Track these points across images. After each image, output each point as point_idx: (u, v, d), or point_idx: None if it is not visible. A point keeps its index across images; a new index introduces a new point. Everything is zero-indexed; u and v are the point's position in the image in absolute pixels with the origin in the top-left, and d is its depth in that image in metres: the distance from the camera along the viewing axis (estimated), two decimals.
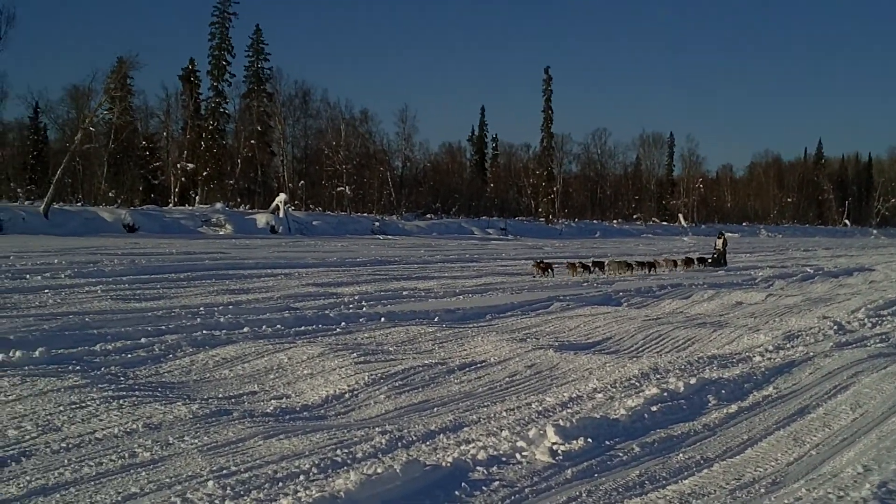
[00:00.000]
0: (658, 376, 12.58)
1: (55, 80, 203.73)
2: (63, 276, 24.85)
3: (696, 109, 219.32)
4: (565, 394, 11.33)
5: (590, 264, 34.69)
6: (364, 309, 20.03)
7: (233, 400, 10.95)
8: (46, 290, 21.49)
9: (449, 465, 7.84)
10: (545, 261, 33.47)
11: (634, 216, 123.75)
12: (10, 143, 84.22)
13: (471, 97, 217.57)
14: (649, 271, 36.26)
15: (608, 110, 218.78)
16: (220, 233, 61.57)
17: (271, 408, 10.47)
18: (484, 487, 7.40)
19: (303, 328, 16.83)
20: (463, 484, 7.43)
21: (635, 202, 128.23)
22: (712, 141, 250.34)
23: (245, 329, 16.15)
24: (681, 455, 8.70)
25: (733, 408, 10.74)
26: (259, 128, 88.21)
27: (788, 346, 15.84)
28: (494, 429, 9.42)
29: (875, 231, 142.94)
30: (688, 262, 40.55)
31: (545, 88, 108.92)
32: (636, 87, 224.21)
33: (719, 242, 44.45)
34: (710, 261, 42.43)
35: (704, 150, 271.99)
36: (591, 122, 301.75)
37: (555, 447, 8.43)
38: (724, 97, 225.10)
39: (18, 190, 70.96)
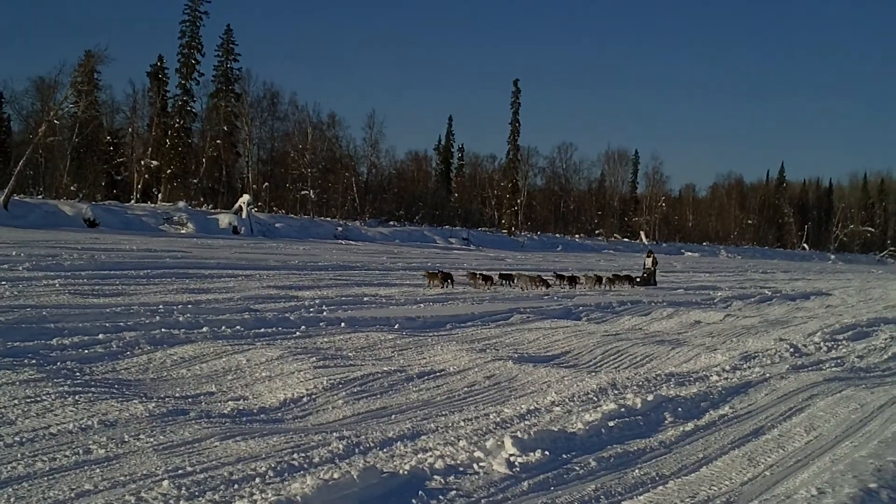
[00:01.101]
0: (616, 392, 12.66)
1: (21, 71, 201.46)
2: (21, 268, 24.57)
3: (662, 128, 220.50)
4: (523, 406, 11.38)
5: (495, 276, 33.10)
6: (325, 313, 19.97)
7: (190, 400, 10.89)
8: (3, 282, 21.22)
9: (406, 472, 7.85)
10: (442, 271, 31.53)
11: (597, 231, 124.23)
12: None
13: (438, 106, 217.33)
14: (570, 287, 34.69)
15: (575, 124, 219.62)
16: (182, 231, 61.10)
17: (228, 409, 10.43)
18: (441, 497, 7.41)
19: (262, 330, 16.78)
20: (420, 492, 7.44)
21: (598, 218, 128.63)
22: (676, 160, 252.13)
23: (204, 329, 16.07)
24: (636, 471, 8.75)
25: (689, 426, 10.82)
26: (226, 128, 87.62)
27: (745, 366, 15.99)
28: (452, 438, 9.44)
29: (833, 256, 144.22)
30: (614, 279, 38.14)
31: (513, 101, 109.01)
32: (603, 102, 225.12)
33: (648, 261, 42.37)
34: (638, 280, 40.57)
35: (668, 169, 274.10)
36: (557, 136, 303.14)
37: (512, 459, 8.46)
38: (689, 116, 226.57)
39: None
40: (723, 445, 10.03)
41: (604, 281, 37.13)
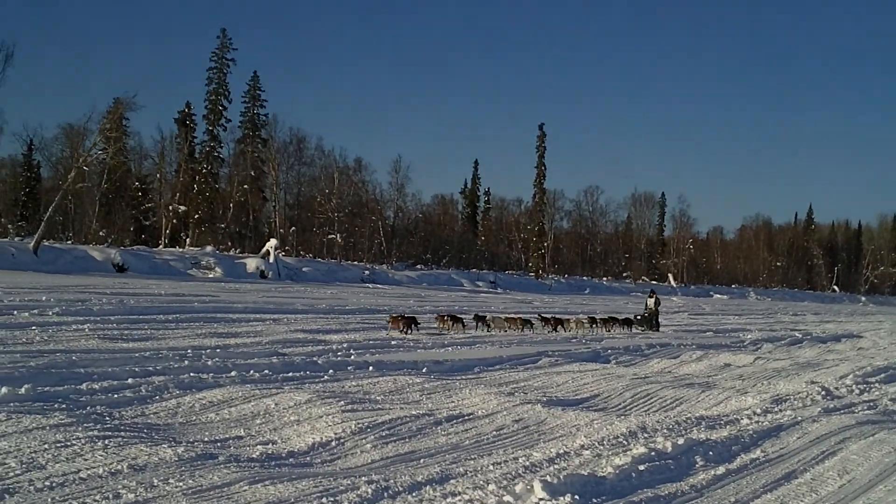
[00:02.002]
0: (646, 435, 12.55)
1: (51, 118, 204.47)
2: (51, 313, 24.74)
3: (689, 170, 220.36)
4: (553, 449, 11.29)
5: (471, 318, 31.42)
6: (352, 357, 20.00)
7: (219, 444, 10.88)
8: (34, 327, 21.39)
9: None
10: (405, 315, 28.96)
11: (624, 274, 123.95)
12: (3, 178, 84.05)
13: (464, 150, 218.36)
14: (554, 329, 32.53)
15: (601, 168, 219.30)
16: (210, 276, 61.40)
17: (257, 453, 10.41)
18: None
19: (290, 374, 16.79)
20: None
21: (625, 260, 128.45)
22: (704, 202, 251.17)
23: (232, 373, 16.11)
24: None
25: (721, 469, 10.70)
26: (252, 173, 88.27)
27: (776, 409, 15.84)
28: (481, 482, 9.37)
29: (864, 298, 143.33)
30: (609, 321, 36.30)
31: (539, 144, 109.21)
32: (630, 145, 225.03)
33: (651, 301, 39.35)
34: (638, 318, 38.45)
35: (696, 211, 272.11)
36: (583, 179, 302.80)
37: (541, 503, 8.38)
38: (716, 159, 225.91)
39: (9, 226, 70.77)
40: (755, 489, 9.91)
41: (598, 323, 35.40)
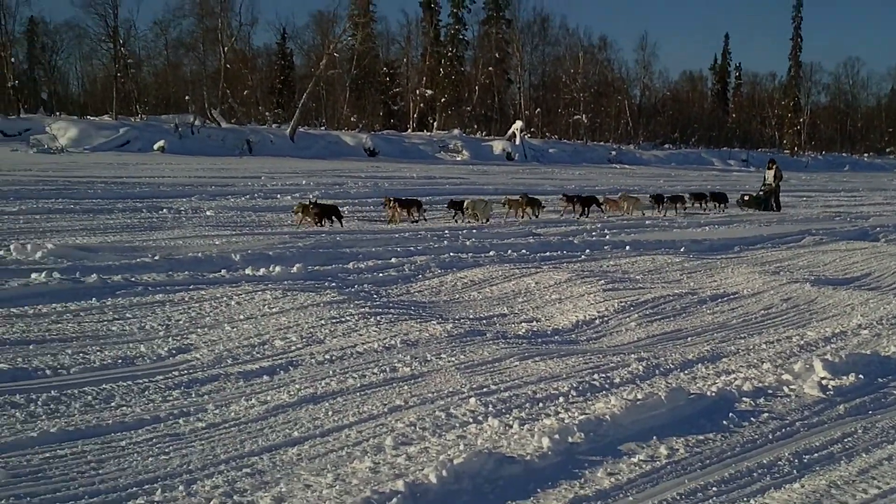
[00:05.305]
0: None
1: (302, 7, 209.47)
2: (311, 196, 25.68)
3: None
4: (827, 329, 10.84)
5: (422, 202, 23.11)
6: (607, 237, 19.82)
7: (484, 321, 11.02)
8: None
9: (714, 394, 7.60)
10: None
11: (888, 150, 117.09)
12: (259, 68, 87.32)
13: (714, 24, 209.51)
14: (582, 215, 25.16)
15: (862, 38, 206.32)
16: (457, 159, 62.24)
17: (523, 330, 10.48)
18: (752, 419, 7.12)
19: (547, 253, 16.83)
20: (730, 414, 7.17)
21: (888, 135, 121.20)
22: None
23: (491, 252, 16.25)
24: None
25: None
26: (497, 55, 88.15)
27: None
28: (755, 361, 9.10)
29: None
30: (674, 199, 28.67)
31: (794, 14, 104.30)
32: (893, 13, 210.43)
33: (769, 175, 31.62)
34: (746, 199, 31.08)
35: None
36: (842, 51, 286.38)
37: (824, 382, 8.03)
38: None
39: (266, 113, 73.77)
40: None
41: (664, 203, 28.21)
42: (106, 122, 54.47)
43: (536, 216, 24.05)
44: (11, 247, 13.83)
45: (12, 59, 66.40)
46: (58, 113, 65.96)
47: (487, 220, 22.39)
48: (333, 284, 12.84)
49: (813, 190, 44.50)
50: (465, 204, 22.61)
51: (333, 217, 20.35)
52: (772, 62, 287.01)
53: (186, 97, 68.15)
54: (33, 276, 11.64)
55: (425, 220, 22.25)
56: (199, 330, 9.66)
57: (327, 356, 8.76)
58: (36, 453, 6.03)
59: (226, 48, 67.50)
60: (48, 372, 7.87)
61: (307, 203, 20.55)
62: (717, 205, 30.20)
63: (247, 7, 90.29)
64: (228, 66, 67.47)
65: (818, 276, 15.17)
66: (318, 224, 20.02)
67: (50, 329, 9.41)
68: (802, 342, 10.05)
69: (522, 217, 23.68)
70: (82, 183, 26.23)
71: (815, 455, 6.47)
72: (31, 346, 8.65)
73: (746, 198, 31.17)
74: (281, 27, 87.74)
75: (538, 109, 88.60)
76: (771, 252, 18.88)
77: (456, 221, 22.12)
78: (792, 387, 7.98)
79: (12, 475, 5.62)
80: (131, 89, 67.34)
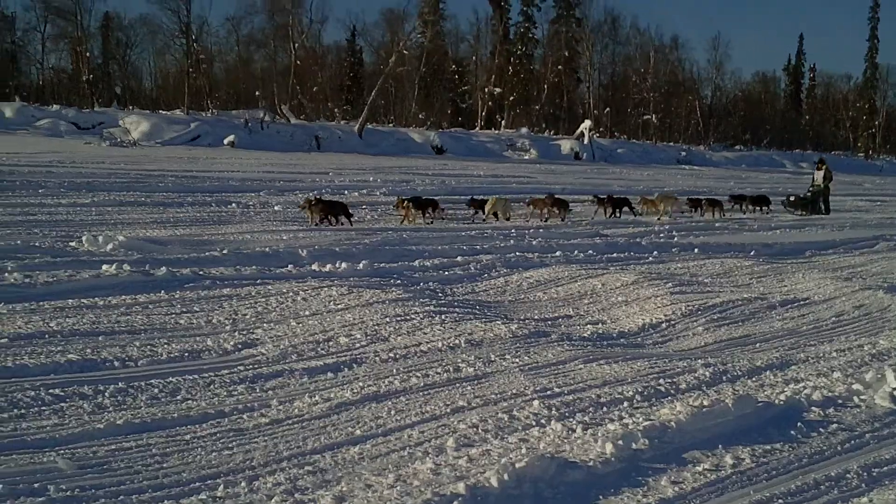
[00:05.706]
0: None
1: (372, 4, 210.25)
2: (378, 193, 25.81)
3: None
4: None
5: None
6: (675, 239, 19.63)
7: (549, 322, 10.96)
8: (364, 206, 22.39)
9: (781, 403, 7.46)
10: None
11: None
12: (329, 64, 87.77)
13: (788, 24, 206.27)
14: (615, 214, 24.79)
15: None
16: (525, 157, 62.01)
17: (588, 332, 10.42)
18: (821, 429, 6.98)
19: (614, 255, 16.73)
20: (798, 424, 7.03)
21: None
22: None
23: (557, 253, 16.19)
24: None
25: None
26: (566, 53, 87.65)
27: None
28: (825, 369, 8.94)
29: None
30: (712, 203, 27.32)
31: (871, 16, 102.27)
32: None
33: (818, 175, 30.08)
34: (792, 200, 29.85)
35: None
36: None
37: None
38: None
39: (335, 110, 74.13)
40: None
41: (703, 206, 27.15)
42: (177, 117, 55.05)
43: (563, 220, 22.84)
44: (84, 238, 14.13)
45: (87, 54, 67.85)
46: (131, 107, 67.02)
47: (508, 219, 22.31)
48: (399, 282, 12.89)
49: (887, 194, 43.68)
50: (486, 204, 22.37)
51: (342, 215, 19.52)
52: (847, 63, 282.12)
53: (257, 93, 68.67)
54: (104, 267, 11.87)
55: (443, 219, 21.87)
56: (264, 325, 9.75)
57: (391, 354, 8.79)
58: (102, 445, 6.14)
59: (296, 45, 68.03)
60: (116, 364, 8.01)
61: (312, 199, 19.76)
62: (757, 208, 29.10)
63: (318, 5, 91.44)
64: (298, 62, 67.89)
65: (892, 283, 14.83)
66: (325, 222, 19.21)
67: (119, 321, 9.56)
68: (874, 351, 9.84)
69: (547, 219, 23.00)
70: (153, 176, 26.59)
71: (885, 468, 6.33)
72: (100, 338, 8.79)
73: (793, 199, 30.09)
74: (351, 24, 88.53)
75: (607, 109, 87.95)
76: (843, 257, 18.57)
77: (476, 221, 22.09)
78: (862, 397, 7.81)
79: (78, 466, 5.72)
80: (203, 84, 68.07)
